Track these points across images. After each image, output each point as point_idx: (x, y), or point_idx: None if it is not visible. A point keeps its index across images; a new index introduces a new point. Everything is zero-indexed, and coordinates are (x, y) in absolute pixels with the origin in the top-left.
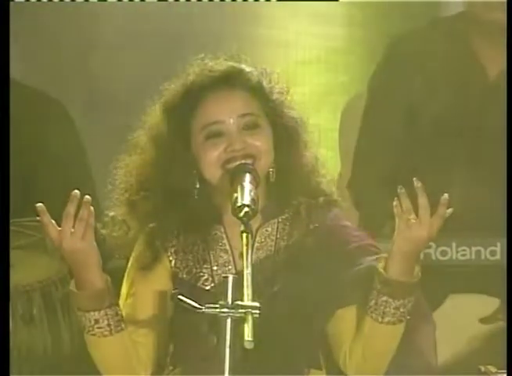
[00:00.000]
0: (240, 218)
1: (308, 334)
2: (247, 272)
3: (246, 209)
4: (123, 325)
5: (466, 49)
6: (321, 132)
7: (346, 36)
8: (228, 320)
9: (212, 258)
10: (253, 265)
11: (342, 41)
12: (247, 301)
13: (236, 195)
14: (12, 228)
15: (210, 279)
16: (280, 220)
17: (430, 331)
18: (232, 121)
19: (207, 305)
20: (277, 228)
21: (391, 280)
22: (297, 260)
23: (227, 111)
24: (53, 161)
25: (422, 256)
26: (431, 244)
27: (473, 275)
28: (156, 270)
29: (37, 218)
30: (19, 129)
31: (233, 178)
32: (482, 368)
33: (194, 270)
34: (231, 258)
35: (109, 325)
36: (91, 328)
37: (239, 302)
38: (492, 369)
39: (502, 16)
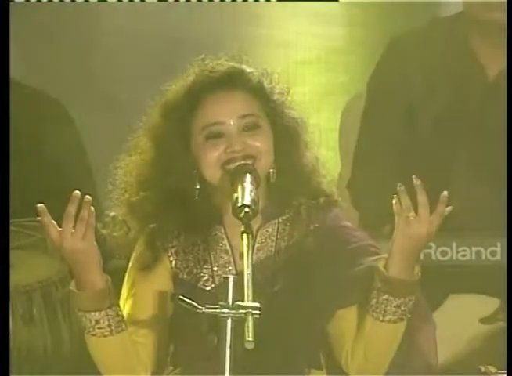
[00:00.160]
0: (241, 219)
1: (309, 335)
2: (248, 273)
3: (246, 209)
4: (123, 325)
5: (466, 49)
6: (321, 132)
7: (346, 36)
8: (229, 321)
9: (213, 258)
10: (253, 266)
11: (342, 41)
12: (248, 301)
13: (236, 195)
14: (12, 228)
15: (211, 279)
16: (281, 220)
17: (430, 331)
18: (232, 122)
19: (207, 306)
20: (277, 228)
21: (391, 278)
22: (297, 260)
23: (227, 112)
24: (53, 161)
25: (422, 256)
26: (431, 244)
27: (473, 275)
28: (157, 270)
29: (38, 218)
30: (19, 129)
31: (234, 178)
32: (482, 368)
33: (195, 271)
34: (231, 259)
35: (109, 325)
36: (91, 328)
37: (240, 303)
38: (492, 369)
39: (502, 16)
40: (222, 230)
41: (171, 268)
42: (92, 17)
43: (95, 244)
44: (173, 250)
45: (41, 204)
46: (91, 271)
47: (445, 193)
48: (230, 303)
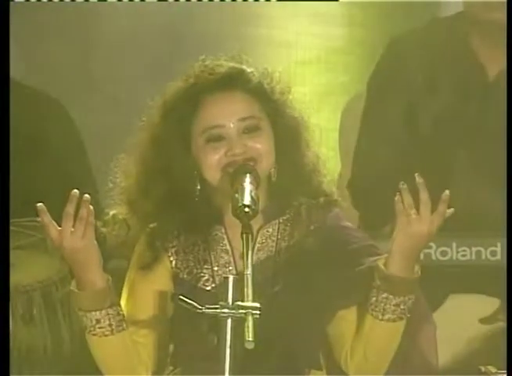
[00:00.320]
0: (240, 219)
1: (309, 335)
2: (247, 273)
3: (246, 209)
4: (124, 325)
5: (466, 49)
6: (321, 132)
7: (346, 36)
8: (229, 321)
9: (213, 258)
10: (254, 266)
11: (342, 41)
12: (248, 301)
13: (236, 195)
14: (12, 228)
15: (211, 279)
16: (281, 221)
17: (430, 332)
18: (232, 125)
19: (207, 306)
20: (278, 229)
21: (390, 275)
22: (297, 261)
23: (227, 115)
24: (53, 161)
25: (422, 256)
26: (431, 244)
27: (473, 275)
28: (157, 270)
29: (38, 218)
30: (19, 129)
31: (234, 178)
32: (482, 368)
33: (195, 271)
34: (232, 259)
35: (110, 325)
36: (92, 328)
37: (240, 303)
38: (492, 369)
39: (502, 16)
40: (223, 230)
41: (172, 268)
42: (92, 17)
43: (95, 242)
44: (173, 250)
45: (40, 204)
46: (92, 270)
47: (447, 192)
48: (230, 303)
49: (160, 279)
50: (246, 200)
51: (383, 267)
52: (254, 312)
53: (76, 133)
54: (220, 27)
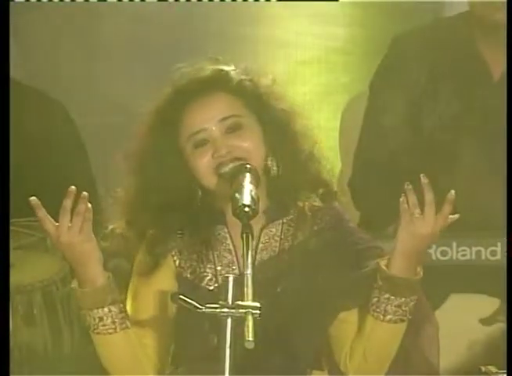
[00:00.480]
0: (241, 219)
1: (311, 336)
2: (248, 273)
3: (246, 209)
4: (128, 322)
5: (471, 49)
6: (321, 132)
7: (346, 36)
8: (229, 320)
9: (216, 258)
10: (256, 266)
11: (342, 41)
12: (248, 301)
13: (236, 195)
14: (12, 228)
15: (214, 279)
16: (285, 221)
17: (432, 332)
18: (214, 127)
19: (207, 305)
20: (281, 229)
21: (392, 276)
22: (301, 261)
23: (208, 118)
24: (53, 161)
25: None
26: None
27: (473, 275)
28: (161, 271)
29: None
30: (19, 129)
31: (233, 179)
32: (483, 368)
33: (198, 270)
34: (235, 259)
35: (113, 322)
36: (95, 326)
37: (240, 302)
38: (493, 369)
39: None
40: (225, 230)
41: (176, 267)
42: (92, 17)
43: (93, 236)
44: (177, 249)
45: (33, 198)
46: (91, 267)
47: (453, 192)
48: (230, 302)
49: (164, 279)
50: (246, 200)
51: (385, 267)
52: (254, 311)
53: (76, 133)
54: (220, 27)
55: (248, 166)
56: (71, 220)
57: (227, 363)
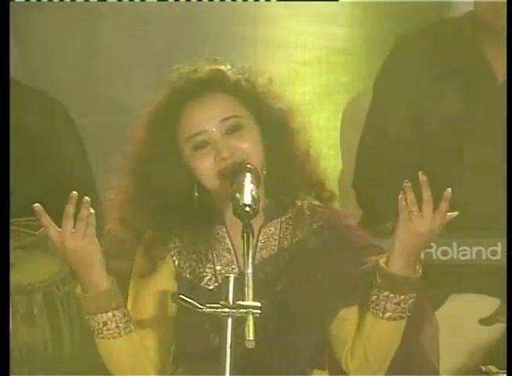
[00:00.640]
0: (241, 218)
1: (312, 334)
2: (248, 272)
3: (247, 209)
4: (131, 327)
5: (475, 51)
6: (322, 132)
7: (347, 36)
8: (229, 320)
9: (215, 257)
10: (256, 265)
11: (343, 41)
12: (248, 300)
13: (237, 195)
14: (12, 228)
15: (214, 278)
16: (283, 219)
17: (432, 331)
18: (214, 128)
19: (207, 305)
20: (280, 227)
21: (391, 273)
22: (300, 259)
23: (208, 119)
24: (53, 161)
25: (423, 256)
26: (432, 243)
27: (474, 275)
28: (160, 271)
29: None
30: (19, 129)
31: (233, 178)
32: (483, 368)
33: (197, 270)
34: (234, 258)
35: (117, 327)
36: (100, 331)
37: (240, 302)
38: (493, 369)
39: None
40: (224, 229)
41: (175, 267)
42: (92, 17)
43: (97, 240)
44: (176, 250)
45: (37, 204)
46: (95, 271)
47: (449, 190)
48: (231, 302)
49: (164, 279)
50: (247, 200)
51: (384, 265)
52: (254, 311)
53: (76, 133)
54: (220, 27)
55: (248, 166)
56: (74, 225)
57: (228, 363)
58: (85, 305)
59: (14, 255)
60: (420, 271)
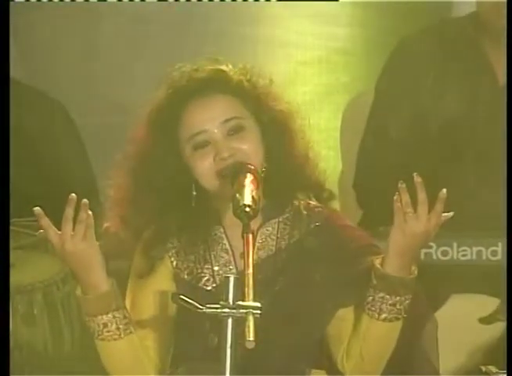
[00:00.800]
0: (241, 219)
1: (310, 334)
2: (248, 272)
3: (247, 209)
4: (132, 328)
5: (477, 52)
6: (322, 132)
7: (347, 36)
8: (230, 320)
9: (213, 258)
10: (254, 265)
11: (343, 41)
12: (248, 301)
13: (237, 195)
14: (12, 228)
15: (212, 279)
16: (281, 220)
17: (432, 330)
18: (216, 129)
19: (207, 305)
20: (278, 227)
21: (386, 274)
22: (298, 259)
23: (210, 119)
24: (53, 161)
25: (423, 256)
26: (432, 244)
27: (474, 275)
28: (158, 272)
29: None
30: (19, 129)
31: (234, 178)
32: (483, 368)
33: (195, 271)
34: (232, 259)
35: (118, 328)
36: (100, 332)
37: (241, 302)
38: (493, 369)
39: None
40: (222, 230)
41: (173, 268)
42: (92, 17)
43: (97, 245)
44: (174, 250)
45: (37, 208)
46: (95, 273)
47: (444, 191)
48: (231, 303)
49: (162, 280)
50: (247, 200)
51: (379, 266)
52: (254, 311)
53: (76, 133)
54: (220, 27)
55: (249, 166)
56: (74, 228)
57: (228, 363)
58: (85, 307)
59: (14, 255)
60: (416, 272)
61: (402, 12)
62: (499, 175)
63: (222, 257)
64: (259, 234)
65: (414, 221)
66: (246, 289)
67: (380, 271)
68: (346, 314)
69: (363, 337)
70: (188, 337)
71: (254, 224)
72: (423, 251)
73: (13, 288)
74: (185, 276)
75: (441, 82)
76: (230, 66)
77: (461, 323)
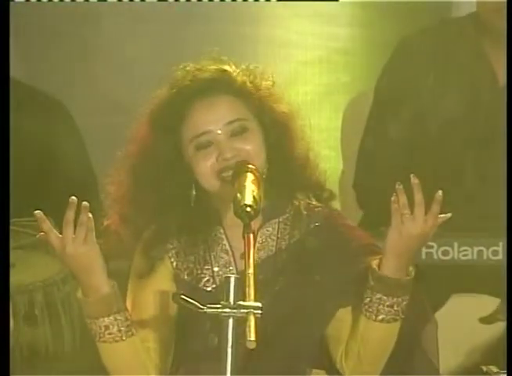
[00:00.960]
0: (242, 219)
1: (310, 334)
2: (250, 272)
3: (248, 209)
4: (133, 330)
5: (477, 52)
6: (323, 132)
7: (348, 36)
8: (230, 320)
9: (213, 259)
10: (254, 266)
11: (343, 41)
12: (250, 301)
13: (238, 195)
14: (12, 228)
15: (212, 280)
16: (281, 220)
17: (432, 331)
18: (219, 130)
19: (208, 305)
20: (278, 228)
21: (383, 276)
22: (298, 259)
23: (213, 120)
24: (53, 161)
25: (424, 256)
26: (433, 244)
27: (475, 275)
28: (158, 272)
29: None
30: (19, 129)
31: (235, 178)
32: (484, 368)
33: (195, 271)
34: (232, 259)
35: (119, 331)
36: (101, 335)
37: (242, 302)
38: (494, 369)
39: None
40: (221, 231)
41: (173, 269)
42: (92, 17)
43: (97, 246)
44: (174, 251)
45: (38, 211)
46: (96, 275)
47: (440, 192)
48: (232, 303)
49: (163, 281)
50: (248, 200)
51: (376, 267)
52: (255, 311)
53: (76, 132)
54: (220, 27)
55: (250, 166)
56: (74, 231)
57: (228, 363)
58: (87, 309)
59: (14, 255)
60: (413, 273)
61: (402, 12)
62: (499, 175)
63: (222, 258)
64: (259, 234)
65: (411, 222)
66: (247, 289)
67: (376, 272)
68: (344, 315)
69: (361, 338)
70: (188, 337)
71: (255, 224)
72: (424, 250)
73: (14, 288)
74: (185, 277)
75: (441, 82)
76: (233, 67)
77: (461, 323)
